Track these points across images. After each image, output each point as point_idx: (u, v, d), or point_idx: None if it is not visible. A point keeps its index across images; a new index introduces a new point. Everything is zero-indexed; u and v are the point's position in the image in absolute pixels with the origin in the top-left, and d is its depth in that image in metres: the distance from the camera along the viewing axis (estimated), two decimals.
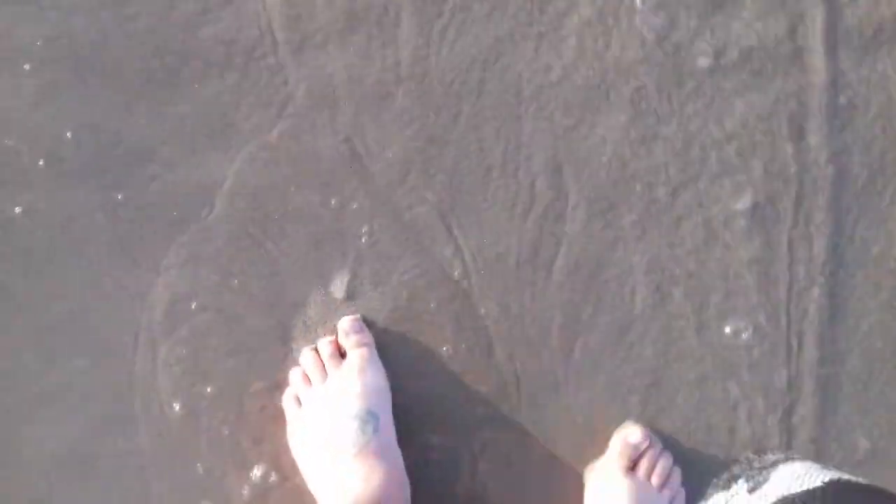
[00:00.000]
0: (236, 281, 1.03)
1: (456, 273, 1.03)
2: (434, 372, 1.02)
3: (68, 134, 1.02)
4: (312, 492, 0.96)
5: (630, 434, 1.00)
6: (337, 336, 1.01)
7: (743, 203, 1.03)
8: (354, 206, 1.04)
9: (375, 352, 1.00)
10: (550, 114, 1.03)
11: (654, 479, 0.99)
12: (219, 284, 1.03)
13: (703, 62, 1.03)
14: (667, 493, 0.99)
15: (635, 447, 0.99)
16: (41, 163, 1.02)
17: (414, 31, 1.03)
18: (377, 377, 0.98)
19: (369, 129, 1.04)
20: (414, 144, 1.04)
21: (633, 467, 0.99)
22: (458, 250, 1.03)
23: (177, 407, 1.01)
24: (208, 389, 1.02)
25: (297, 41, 1.03)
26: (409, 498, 0.94)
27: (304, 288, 1.03)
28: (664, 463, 1.00)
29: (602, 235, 1.03)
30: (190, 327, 1.02)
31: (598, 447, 1.02)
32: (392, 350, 1.02)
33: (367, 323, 1.02)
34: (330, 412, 0.94)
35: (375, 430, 0.92)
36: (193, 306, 1.02)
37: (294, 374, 1.00)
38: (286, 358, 1.02)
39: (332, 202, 1.03)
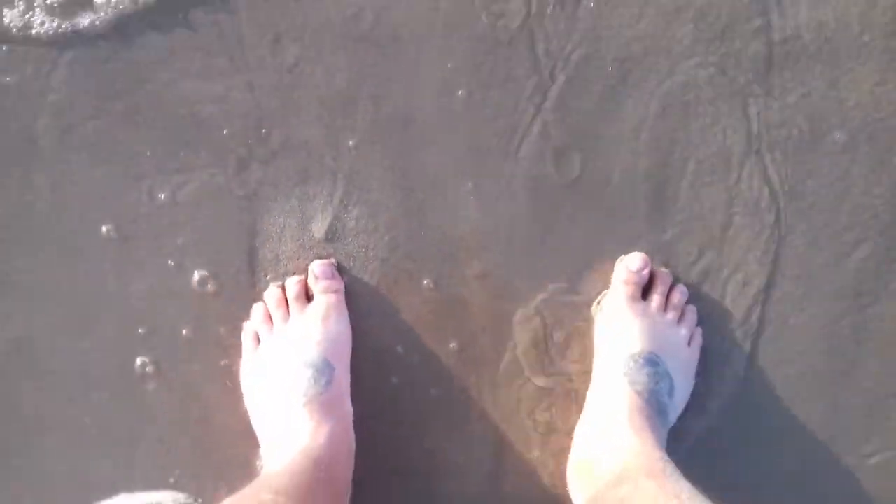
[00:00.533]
0: (213, 202, 0.98)
1: (444, 233, 0.98)
2: (405, 328, 0.99)
3: None
4: (256, 431, 0.94)
5: (630, 260, 0.94)
6: (307, 277, 0.97)
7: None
8: (351, 144, 0.98)
9: (343, 300, 0.96)
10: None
11: (670, 314, 0.94)
12: (199, 206, 0.98)
13: None
14: (685, 326, 0.94)
15: (637, 272, 0.93)
16: None
17: None
18: (340, 327, 0.94)
19: (374, 74, 0.97)
20: (423, 98, 0.98)
21: (642, 297, 0.94)
22: (453, 209, 0.98)
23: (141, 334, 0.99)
24: (179, 303, 0.99)
25: None
26: (353, 453, 0.91)
27: (282, 219, 0.99)
28: (678, 296, 0.95)
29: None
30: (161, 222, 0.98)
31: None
32: (363, 301, 0.98)
33: (341, 270, 0.98)
34: (286, 356, 0.91)
35: (329, 382, 0.89)
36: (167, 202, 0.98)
37: (256, 310, 0.97)
38: (253, 287, 0.99)
39: (330, 138, 0.98)
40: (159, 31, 0.97)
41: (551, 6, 0.97)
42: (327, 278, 0.95)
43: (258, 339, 0.96)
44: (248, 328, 0.97)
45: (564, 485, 0.95)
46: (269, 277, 0.98)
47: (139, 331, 0.98)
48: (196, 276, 0.98)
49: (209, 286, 0.98)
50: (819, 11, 0.97)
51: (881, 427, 0.99)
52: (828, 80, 0.97)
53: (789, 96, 0.97)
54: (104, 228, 0.98)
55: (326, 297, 0.94)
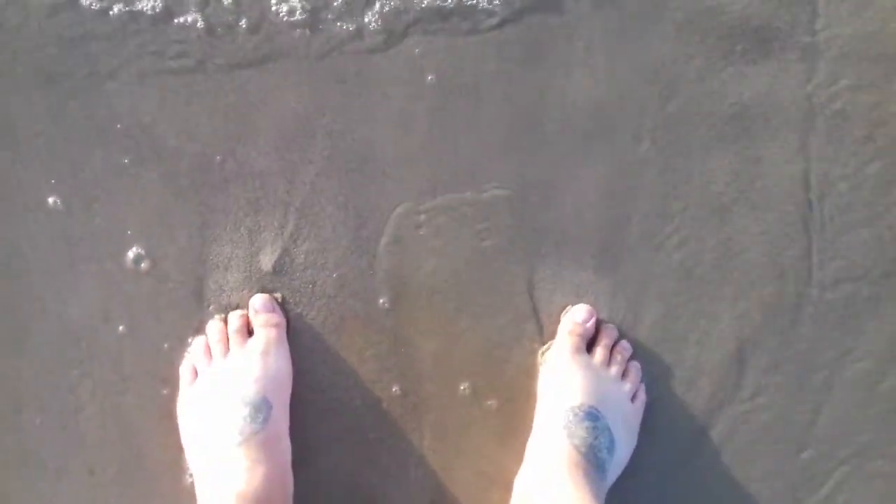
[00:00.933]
0: (166, 227, 0.96)
1: (394, 273, 0.97)
2: (347, 369, 0.97)
3: None
4: (191, 468, 0.91)
5: (575, 312, 0.95)
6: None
7: None
8: (305, 180, 0.97)
9: (285, 335, 0.94)
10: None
11: (613, 368, 0.94)
12: (148, 229, 0.96)
13: None
14: (629, 382, 0.94)
15: (582, 324, 0.94)
16: None
17: None
18: (280, 363, 0.92)
19: (334, 108, 0.97)
20: (383, 133, 0.97)
21: (587, 351, 0.94)
22: (405, 249, 0.97)
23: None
24: (120, 327, 0.96)
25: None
26: (291, 495, 0.88)
27: (230, 249, 0.97)
28: (621, 351, 0.95)
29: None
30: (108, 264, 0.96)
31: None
32: (306, 338, 0.96)
33: (286, 305, 0.96)
34: (223, 392, 0.89)
35: (266, 420, 0.86)
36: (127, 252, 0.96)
37: (196, 344, 0.95)
38: (199, 313, 0.96)
39: (286, 169, 0.97)
40: (120, 50, 0.96)
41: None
42: (267, 311, 0.93)
43: (196, 374, 0.93)
44: (187, 362, 0.94)
45: None
46: (211, 308, 0.96)
47: (75, 353, 0.96)
48: (144, 283, 0.96)
49: (154, 307, 0.96)
50: None
51: None
52: None
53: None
54: (49, 207, 0.96)
55: (266, 332, 0.92)
